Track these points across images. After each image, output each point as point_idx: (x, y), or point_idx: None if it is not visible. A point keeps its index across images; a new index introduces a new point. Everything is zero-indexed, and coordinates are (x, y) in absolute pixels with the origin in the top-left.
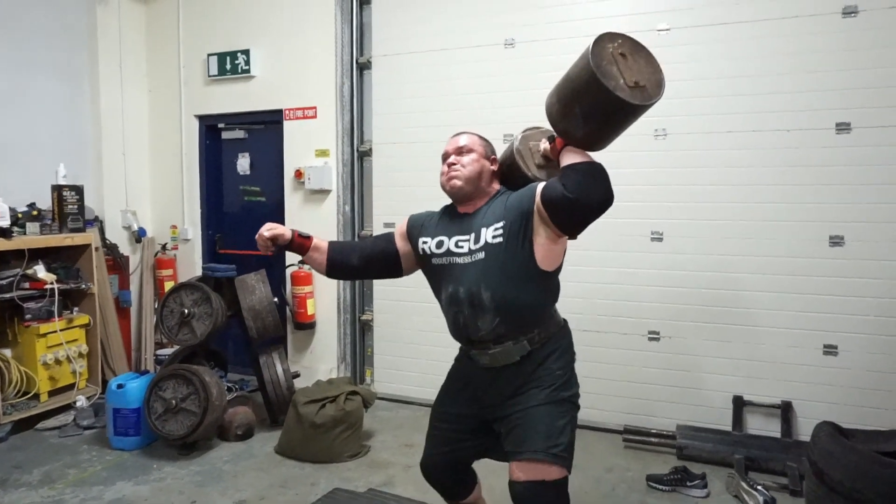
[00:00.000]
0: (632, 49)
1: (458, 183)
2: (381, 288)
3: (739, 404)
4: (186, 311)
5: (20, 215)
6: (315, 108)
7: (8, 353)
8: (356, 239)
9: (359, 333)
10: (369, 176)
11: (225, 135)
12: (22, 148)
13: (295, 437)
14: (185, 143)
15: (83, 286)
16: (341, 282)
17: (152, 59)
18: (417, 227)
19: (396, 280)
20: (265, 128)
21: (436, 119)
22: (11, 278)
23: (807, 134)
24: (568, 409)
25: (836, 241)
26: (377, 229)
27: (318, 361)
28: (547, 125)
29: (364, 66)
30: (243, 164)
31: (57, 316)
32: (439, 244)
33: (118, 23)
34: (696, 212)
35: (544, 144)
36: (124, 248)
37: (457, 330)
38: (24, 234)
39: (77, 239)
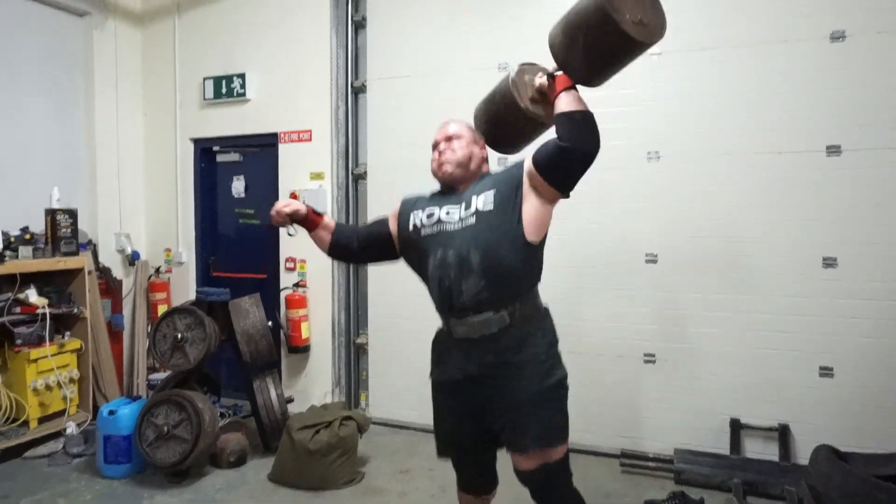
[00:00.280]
0: None
1: (448, 168)
2: (377, 310)
3: (737, 427)
4: (179, 335)
5: (13, 239)
6: (310, 131)
7: None
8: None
9: (353, 357)
10: (364, 198)
11: (220, 158)
12: (16, 171)
13: (289, 464)
14: (179, 165)
15: (75, 310)
16: (336, 304)
17: (148, 83)
18: (410, 204)
19: (392, 302)
20: (260, 151)
21: (430, 142)
22: (2, 303)
23: (798, 156)
24: (557, 397)
25: (830, 262)
26: None
27: (313, 385)
28: (542, 63)
29: (359, 90)
30: (238, 186)
31: (48, 341)
32: (430, 215)
33: (114, 47)
34: (691, 233)
35: (541, 79)
36: (118, 271)
37: (441, 295)
38: (17, 258)
39: (70, 263)
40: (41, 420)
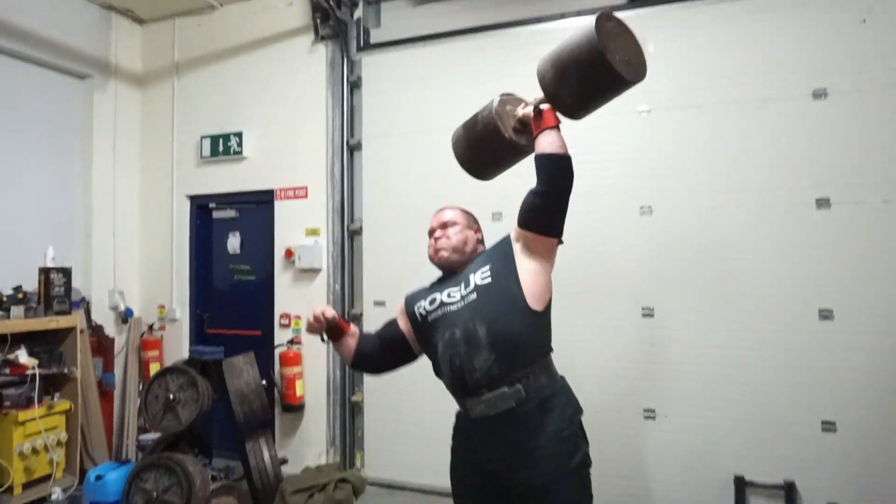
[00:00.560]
0: (623, 30)
1: (444, 254)
2: None
3: (741, 485)
4: (172, 396)
5: (5, 298)
6: (306, 187)
7: None
8: (346, 317)
9: (349, 415)
10: (359, 254)
11: (216, 214)
12: (10, 230)
13: None
14: (175, 222)
15: (66, 370)
16: (331, 361)
17: (146, 141)
18: (413, 298)
19: None
20: (256, 207)
21: (424, 198)
22: None
23: (788, 209)
24: (580, 478)
25: (826, 314)
26: (367, 308)
27: (307, 445)
28: (521, 93)
29: (354, 147)
30: (234, 242)
31: (37, 402)
32: (432, 301)
33: (114, 107)
34: (684, 287)
35: (524, 110)
36: (110, 328)
37: (453, 376)
38: (8, 317)
39: (62, 322)
40: (26, 485)
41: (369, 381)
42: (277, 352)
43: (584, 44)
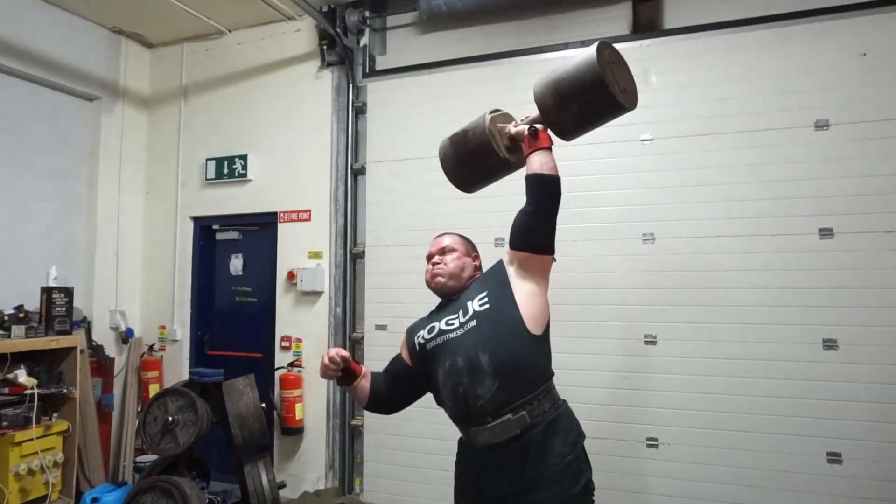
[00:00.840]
0: (617, 58)
1: (441, 280)
2: None
3: None
4: (170, 418)
5: (6, 318)
6: (310, 210)
7: None
8: (347, 342)
9: (348, 439)
10: (362, 278)
11: (219, 236)
12: (14, 250)
13: None
14: (178, 243)
15: (65, 390)
16: (331, 385)
17: (151, 163)
18: (413, 329)
19: None
20: (259, 229)
21: (427, 223)
22: None
23: (791, 239)
24: None
25: (830, 344)
26: (368, 331)
27: (306, 469)
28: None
29: (358, 172)
30: (236, 264)
31: (35, 422)
32: (431, 330)
33: (120, 129)
34: (688, 315)
35: (517, 129)
36: (110, 349)
37: (456, 404)
38: (9, 337)
39: (62, 342)
40: None
41: None
42: (278, 374)
43: (585, 72)
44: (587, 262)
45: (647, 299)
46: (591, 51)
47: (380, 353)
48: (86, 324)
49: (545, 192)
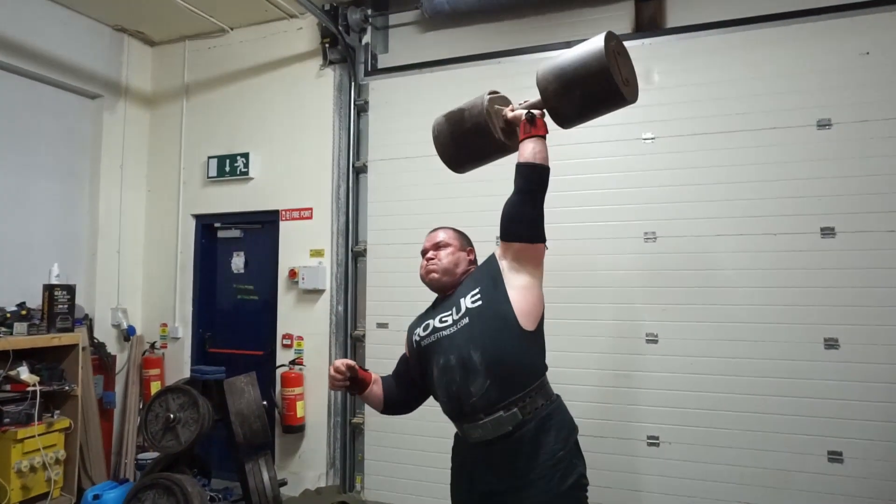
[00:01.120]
0: (622, 50)
1: (435, 275)
2: None
3: None
4: (172, 415)
5: (9, 315)
6: (311, 209)
7: None
8: (348, 340)
9: (349, 437)
10: (363, 276)
11: (221, 234)
12: (17, 247)
13: None
14: (180, 241)
15: (67, 388)
16: None
17: (153, 161)
18: (411, 327)
19: None
20: (261, 227)
21: (428, 221)
22: None
23: (793, 238)
24: (576, 500)
25: (831, 343)
26: (370, 329)
27: (307, 467)
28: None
29: (360, 170)
30: (238, 262)
31: (37, 420)
32: (426, 327)
33: (123, 127)
34: (689, 314)
35: (514, 113)
36: (112, 346)
37: (450, 401)
38: (11, 334)
39: (64, 339)
40: None
41: None
42: (279, 372)
43: (591, 60)
44: (589, 260)
45: (649, 298)
46: (598, 40)
47: (381, 351)
48: (87, 321)
49: (535, 181)
